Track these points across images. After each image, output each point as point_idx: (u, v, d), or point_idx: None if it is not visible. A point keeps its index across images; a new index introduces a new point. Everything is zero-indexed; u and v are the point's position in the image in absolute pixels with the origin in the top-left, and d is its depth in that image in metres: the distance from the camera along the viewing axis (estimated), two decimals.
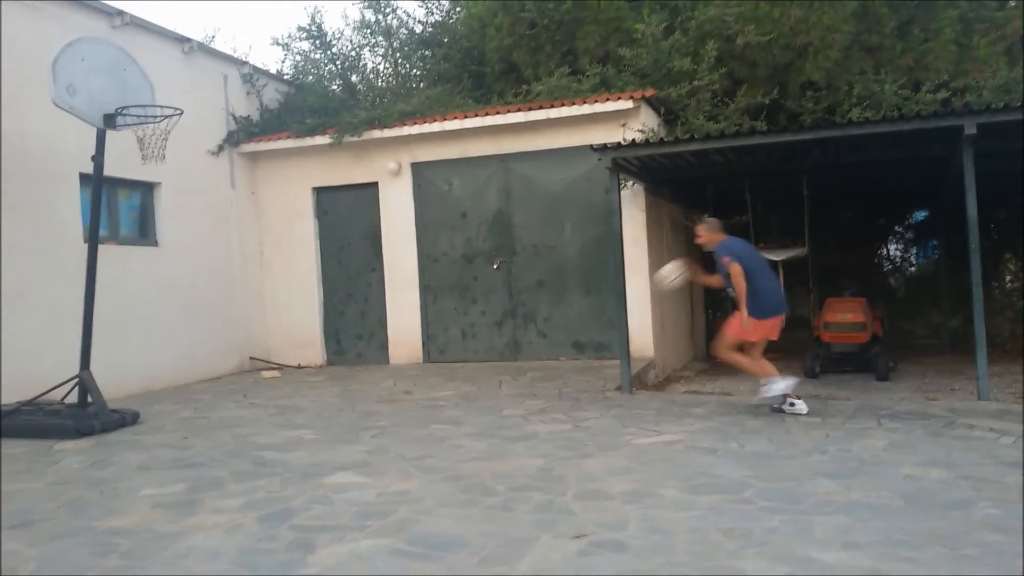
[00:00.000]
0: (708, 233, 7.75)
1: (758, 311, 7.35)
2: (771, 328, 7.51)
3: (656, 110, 10.83)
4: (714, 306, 14.40)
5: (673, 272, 7.85)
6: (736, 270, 7.24)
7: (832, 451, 5.92)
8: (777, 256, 10.86)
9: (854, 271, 14.04)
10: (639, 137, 9.62)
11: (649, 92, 10.48)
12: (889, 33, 11.55)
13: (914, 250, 15.96)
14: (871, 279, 14.76)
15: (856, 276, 13.37)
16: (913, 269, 15.97)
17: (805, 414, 7.30)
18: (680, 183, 10.86)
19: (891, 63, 11.35)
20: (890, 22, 11.55)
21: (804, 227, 10.63)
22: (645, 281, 10.22)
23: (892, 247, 16.10)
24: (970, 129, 7.45)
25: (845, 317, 10.49)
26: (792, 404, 7.41)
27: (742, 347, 7.66)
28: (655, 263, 10.51)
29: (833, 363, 10.58)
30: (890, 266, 16.04)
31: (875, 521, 4.31)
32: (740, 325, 7.40)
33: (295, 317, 12.33)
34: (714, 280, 7.79)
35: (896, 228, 15.93)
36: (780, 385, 7.40)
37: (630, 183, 10.03)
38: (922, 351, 12.79)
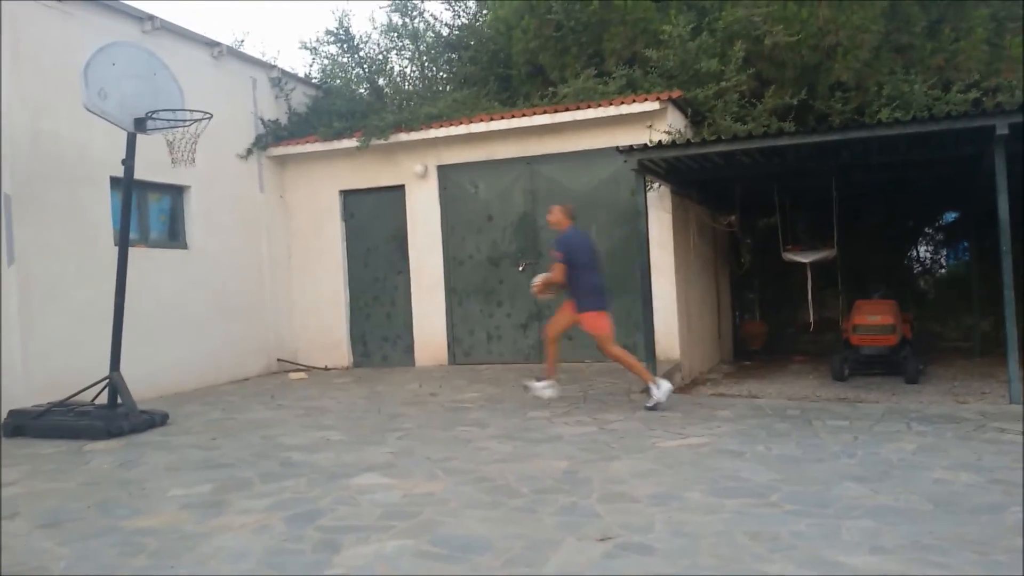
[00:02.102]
0: (560, 215, 8.14)
1: (588, 304, 7.85)
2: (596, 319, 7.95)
3: (683, 111, 10.78)
4: (742, 308, 14.32)
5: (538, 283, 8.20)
6: (558, 267, 7.80)
7: (860, 454, 5.86)
8: (806, 258, 10.79)
9: (883, 273, 13.89)
10: (665, 139, 9.59)
11: (676, 93, 10.43)
12: (919, 33, 11.43)
13: (944, 252, 15.75)
14: (901, 281, 14.60)
15: (885, 278, 13.23)
16: (943, 271, 15.77)
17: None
18: (707, 185, 10.81)
19: (921, 63, 11.23)
20: (920, 21, 11.43)
21: (833, 229, 10.54)
22: (672, 283, 10.19)
23: (922, 249, 15.91)
24: (1002, 129, 7.36)
25: (874, 319, 10.38)
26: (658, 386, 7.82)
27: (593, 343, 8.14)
28: (681, 265, 10.49)
29: (862, 366, 10.47)
30: (920, 268, 15.86)
31: (904, 525, 4.26)
32: (602, 321, 7.87)
33: (322, 319, 12.41)
34: (550, 279, 8.05)
35: (926, 230, 15.75)
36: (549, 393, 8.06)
37: (656, 185, 9.99)
38: (952, 354, 12.63)
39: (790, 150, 8.74)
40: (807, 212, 12.89)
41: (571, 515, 4.62)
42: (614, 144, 9.33)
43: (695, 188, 10.88)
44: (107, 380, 7.84)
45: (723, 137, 9.00)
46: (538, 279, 8.19)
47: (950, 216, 15.12)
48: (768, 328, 13.95)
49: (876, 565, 3.74)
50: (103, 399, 7.85)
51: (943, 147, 8.59)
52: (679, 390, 9.51)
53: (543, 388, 8.07)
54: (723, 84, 10.73)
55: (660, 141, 9.03)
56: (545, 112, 10.80)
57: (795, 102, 10.83)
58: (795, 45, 10.92)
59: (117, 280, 7.88)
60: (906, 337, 10.58)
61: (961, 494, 4.78)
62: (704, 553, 3.96)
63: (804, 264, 10.83)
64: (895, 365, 10.21)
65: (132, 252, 8.30)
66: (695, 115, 11.04)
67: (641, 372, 7.98)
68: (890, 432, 6.63)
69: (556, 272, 7.85)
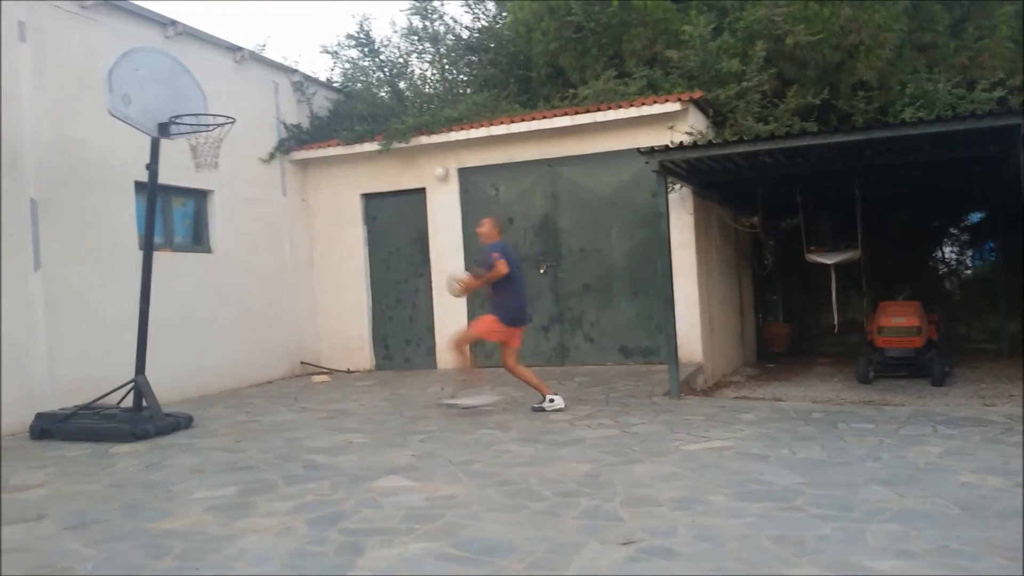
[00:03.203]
0: (491, 228, 8.29)
1: (508, 317, 8.01)
2: (513, 334, 8.15)
3: (704, 112, 10.74)
4: (765, 310, 14.24)
5: (453, 283, 8.34)
6: (502, 264, 7.88)
7: (886, 458, 5.80)
8: (830, 259, 10.70)
9: (908, 274, 13.76)
10: (687, 139, 9.55)
11: (697, 94, 10.39)
12: (942, 31, 11.32)
13: (970, 252, 15.58)
14: (926, 282, 14.45)
15: (910, 279, 13.11)
16: (969, 272, 15.59)
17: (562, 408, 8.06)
18: (729, 186, 10.74)
19: (945, 61, 11.13)
20: (943, 20, 11.33)
21: (856, 229, 10.46)
22: (694, 285, 10.15)
23: (947, 249, 15.74)
24: None
25: (899, 321, 10.29)
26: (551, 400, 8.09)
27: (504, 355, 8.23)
28: (703, 267, 10.45)
29: (887, 368, 10.39)
30: (945, 269, 15.69)
31: (930, 530, 4.22)
32: (490, 325, 8.03)
33: (344, 322, 12.46)
34: (475, 282, 8.22)
35: (951, 230, 15.58)
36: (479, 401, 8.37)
37: (678, 186, 9.95)
38: (979, 356, 12.50)
39: (813, 150, 8.68)
40: (830, 213, 12.79)
41: (594, 519, 4.60)
42: (635, 145, 9.31)
43: (717, 189, 10.82)
44: (132, 383, 7.91)
45: (745, 138, 8.95)
46: (461, 278, 8.31)
47: (975, 216, 14.96)
48: (792, 330, 13.86)
49: (902, 570, 3.70)
50: (128, 402, 7.92)
51: (967, 146, 8.49)
52: (702, 392, 9.47)
53: (550, 404, 8.11)
54: (744, 84, 10.68)
55: (681, 142, 9.00)
56: (565, 114, 10.80)
57: (817, 102, 10.76)
58: (817, 44, 10.85)
59: (142, 284, 7.95)
60: (932, 339, 10.48)
61: (989, 498, 4.72)
62: (728, 557, 3.94)
63: (828, 265, 10.75)
64: (921, 367, 10.12)
65: (157, 256, 8.37)
66: (716, 116, 11.00)
67: (540, 386, 8.19)
68: (916, 435, 6.57)
69: (492, 274, 7.96)
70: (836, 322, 11.16)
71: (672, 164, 8.94)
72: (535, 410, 8.08)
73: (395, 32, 21.46)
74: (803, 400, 8.90)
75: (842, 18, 10.82)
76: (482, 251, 8.34)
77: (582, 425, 7.33)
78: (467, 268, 11.56)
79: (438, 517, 4.73)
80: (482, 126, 11.25)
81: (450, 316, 11.71)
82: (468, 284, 8.25)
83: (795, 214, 10.69)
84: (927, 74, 10.80)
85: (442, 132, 11.46)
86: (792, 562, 3.85)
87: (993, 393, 9.08)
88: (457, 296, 8.73)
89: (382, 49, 14.23)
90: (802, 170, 9.54)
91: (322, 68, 32.62)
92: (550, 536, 4.33)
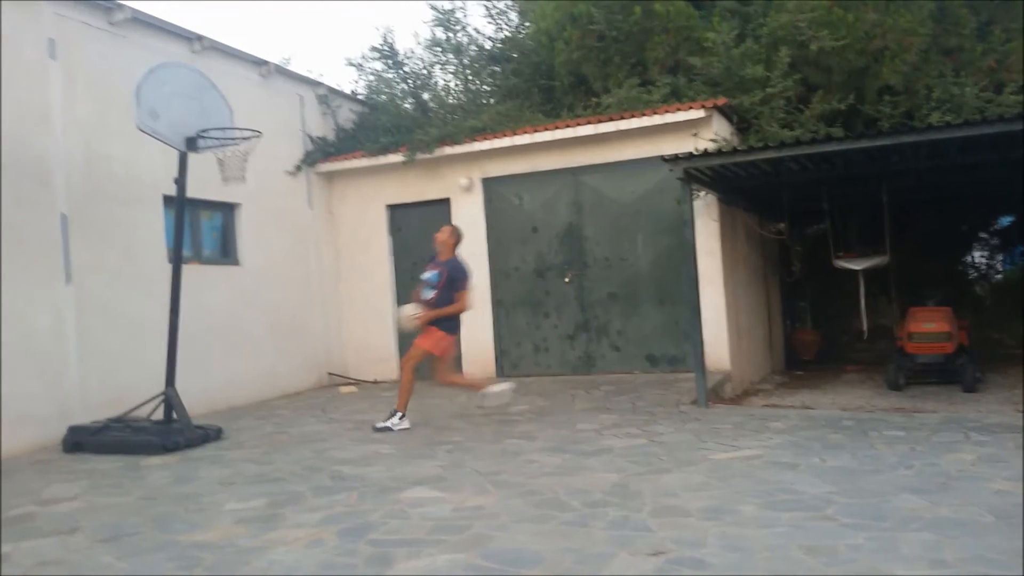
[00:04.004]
0: (449, 238, 8.33)
1: (452, 327, 8.11)
2: (453, 344, 8.28)
3: (728, 119, 10.70)
4: (793, 317, 14.13)
5: (410, 313, 8.18)
6: (463, 298, 8.07)
7: (918, 466, 5.74)
8: (858, 265, 10.62)
9: (938, 279, 13.62)
10: (711, 146, 9.52)
11: (721, 101, 10.36)
12: (969, 34, 11.21)
13: (1000, 257, 15.40)
14: (956, 287, 14.29)
15: (940, 284, 12.97)
16: (999, 276, 15.40)
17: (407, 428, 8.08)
18: (754, 192, 10.69)
19: (971, 65, 11.01)
20: (969, 23, 11.22)
21: (884, 235, 10.37)
22: (720, 292, 10.10)
23: (977, 254, 15.57)
24: None
25: (929, 327, 10.17)
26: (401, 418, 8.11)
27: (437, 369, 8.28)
28: (730, 274, 10.39)
29: (917, 375, 10.27)
30: (975, 274, 15.51)
31: (964, 538, 4.16)
32: (438, 341, 7.99)
33: (371, 333, 12.51)
34: (432, 315, 8.01)
35: (980, 234, 15.41)
36: (498, 389, 8.40)
37: (702, 193, 9.92)
38: (1011, 361, 12.30)
39: (839, 156, 8.61)
40: (858, 218, 12.69)
41: (622, 529, 4.59)
42: (659, 153, 9.29)
43: (742, 196, 10.78)
44: (163, 396, 7.98)
45: (770, 144, 8.90)
46: (415, 315, 8.06)
47: (1005, 220, 14.79)
48: (820, 337, 13.74)
49: None
50: (159, 414, 7.99)
51: (996, 150, 8.40)
52: (730, 401, 9.41)
53: (494, 392, 8.30)
54: (769, 90, 10.62)
55: (706, 149, 8.97)
56: (589, 123, 10.79)
57: (843, 107, 10.69)
58: (841, 50, 10.77)
59: (171, 297, 8.04)
60: (963, 344, 10.35)
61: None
62: (759, 568, 3.91)
63: (856, 271, 10.65)
64: (952, 373, 10.00)
65: (185, 269, 8.44)
66: (741, 122, 10.95)
67: (474, 384, 8.43)
68: (948, 442, 6.49)
69: (454, 308, 8.06)
70: (865, 328, 11.06)
71: (697, 171, 8.91)
72: (378, 430, 8.04)
73: (419, 44, 21.63)
74: (833, 408, 8.82)
75: (867, 23, 10.75)
76: (431, 261, 8.31)
77: (609, 434, 7.31)
78: (491, 277, 11.60)
79: (466, 528, 4.73)
80: (505, 136, 11.27)
81: (475, 326, 11.72)
82: (424, 319, 8.04)
83: (822, 220, 10.61)
84: (953, 78, 10.70)
85: (466, 142, 11.49)
86: (824, 572, 3.81)
87: None
88: (412, 331, 8.43)
89: (406, 61, 14.33)
90: (828, 176, 9.48)
91: (347, 81, 32.83)
92: (578, 547, 4.31)
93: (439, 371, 8.23)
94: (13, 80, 8.16)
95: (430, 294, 8.06)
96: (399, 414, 8.14)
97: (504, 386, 8.49)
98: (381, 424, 8.14)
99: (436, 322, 8.01)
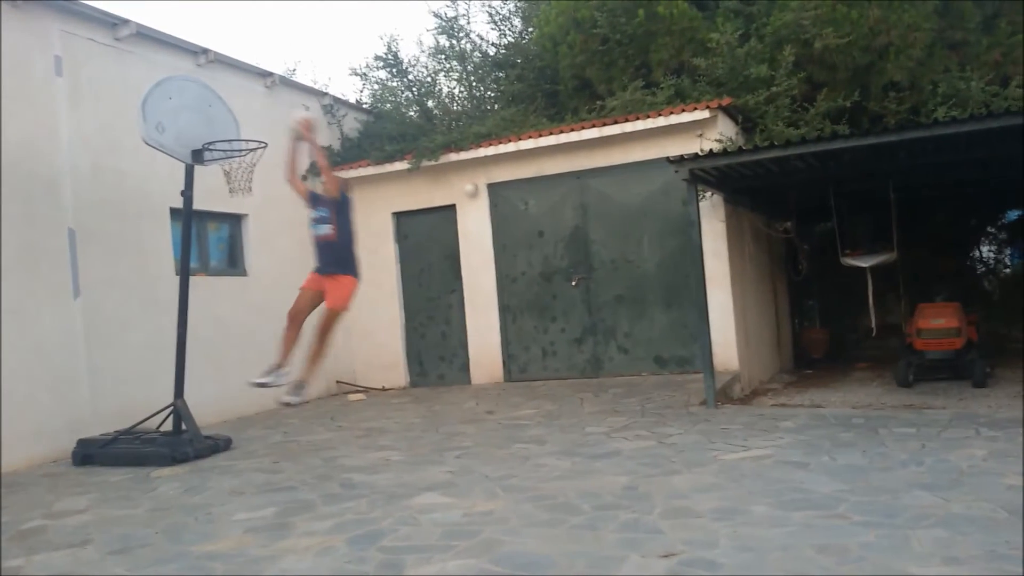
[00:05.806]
0: (333, 179, 7.81)
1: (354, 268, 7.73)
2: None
3: (733, 119, 10.68)
4: (801, 315, 14.09)
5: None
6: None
7: (929, 462, 5.71)
8: (866, 262, 10.57)
9: (946, 275, 13.55)
10: (716, 147, 9.50)
11: (726, 101, 10.34)
12: (974, 28, 11.17)
13: (1008, 251, 15.32)
14: (964, 282, 14.21)
15: (948, 280, 12.90)
16: (1008, 270, 15.32)
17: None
18: (761, 191, 10.67)
19: (977, 59, 10.97)
20: (974, 17, 11.17)
21: (892, 231, 10.32)
22: (727, 292, 10.07)
23: (985, 248, 15.49)
24: None
25: (938, 323, 10.12)
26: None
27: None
28: (737, 274, 10.37)
29: (927, 371, 10.22)
30: (983, 268, 15.43)
31: (977, 534, 4.14)
32: (352, 288, 7.69)
33: (378, 340, 12.52)
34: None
35: (988, 229, 15.34)
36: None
37: (708, 194, 9.90)
38: (1020, 356, 12.24)
39: (845, 153, 8.58)
40: (865, 215, 12.64)
41: (633, 531, 4.57)
42: (664, 155, 9.27)
43: (748, 195, 10.75)
44: (171, 407, 8.00)
45: (776, 143, 8.89)
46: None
47: (1013, 214, 14.71)
48: (829, 335, 13.69)
49: None
50: (168, 426, 8.01)
51: (1003, 144, 8.36)
52: (739, 401, 9.38)
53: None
54: (773, 89, 10.60)
55: (711, 150, 8.95)
56: (593, 126, 10.79)
57: (848, 104, 10.65)
58: (846, 47, 10.74)
59: (179, 309, 8.06)
60: (972, 340, 10.29)
61: None
62: (771, 568, 3.89)
63: (864, 268, 10.62)
64: (961, 369, 9.95)
65: (193, 281, 8.48)
66: (746, 122, 10.92)
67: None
68: (959, 438, 6.46)
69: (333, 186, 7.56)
70: (874, 326, 11.01)
71: (702, 172, 8.89)
72: (258, 385, 7.50)
73: (422, 52, 21.61)
74: (842, 406, 8.78)
75: (871, 19, 10.72)
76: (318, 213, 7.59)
77: (618, 437, 7.30)
78: (498, 282, 11.60)
79: (476, 533, 4.72)
80: (510, 141, 11.27)
81: (483, 331, 11.74)
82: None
83: (829, 218, 10.58)
84: (959, 72, 10.66)
85: (471, 148, 11.50)
86: (836, 571, 3.79)
87: None
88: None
89: (410, 69, 14.36)
90: (835, 173, 9.46)
91: (351, 90, 32.95)
92: (589, 550, 4.30)
93: (321, 335, 7.67)
94: (21, 98, 8.22)
95: (326, 228, 7.53)
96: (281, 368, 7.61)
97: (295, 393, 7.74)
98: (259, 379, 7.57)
99: (343, 265, 7.58)
